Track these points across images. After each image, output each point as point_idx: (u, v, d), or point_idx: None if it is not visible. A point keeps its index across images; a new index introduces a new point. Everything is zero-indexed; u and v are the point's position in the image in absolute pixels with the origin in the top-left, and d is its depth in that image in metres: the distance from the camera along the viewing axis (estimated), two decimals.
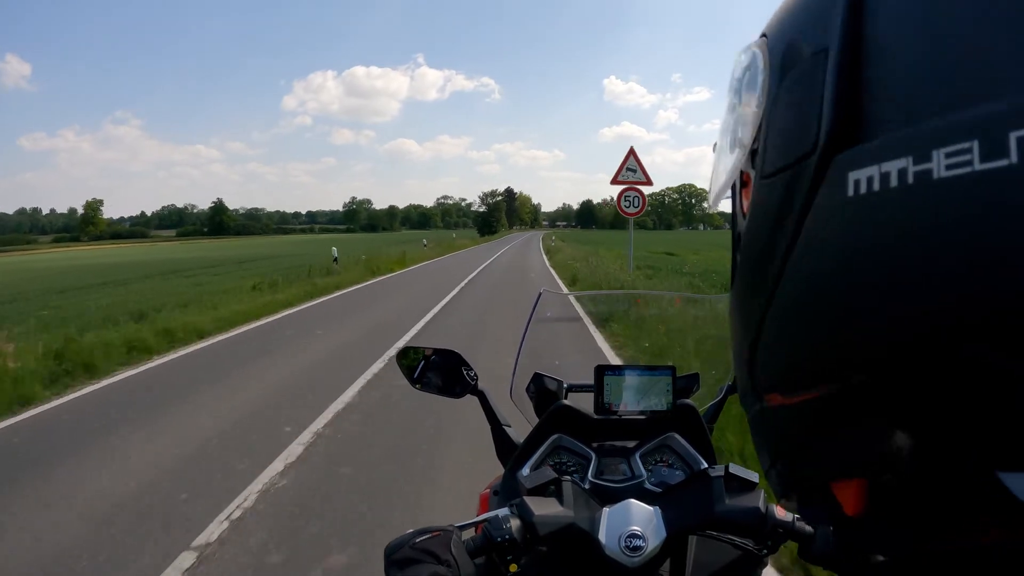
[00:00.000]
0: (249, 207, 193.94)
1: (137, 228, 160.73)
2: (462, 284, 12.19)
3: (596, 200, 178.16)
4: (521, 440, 1.08)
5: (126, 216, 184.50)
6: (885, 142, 0.23)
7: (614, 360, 5.45)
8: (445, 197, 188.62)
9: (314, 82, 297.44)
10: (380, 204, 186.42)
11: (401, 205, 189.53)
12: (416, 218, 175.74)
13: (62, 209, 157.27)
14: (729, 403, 1.11)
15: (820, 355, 0.26)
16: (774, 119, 0.29)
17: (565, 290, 10.49)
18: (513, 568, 0.69)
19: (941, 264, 0.21)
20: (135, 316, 7.86)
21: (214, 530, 2.47)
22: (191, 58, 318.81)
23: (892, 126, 0.23)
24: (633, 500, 0.74)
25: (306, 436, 3.55)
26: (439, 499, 2.66)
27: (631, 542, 0.70)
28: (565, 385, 1.15)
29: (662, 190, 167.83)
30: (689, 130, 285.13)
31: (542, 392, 1.14)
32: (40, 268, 29.19)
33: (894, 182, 0.22)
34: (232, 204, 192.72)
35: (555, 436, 1.04)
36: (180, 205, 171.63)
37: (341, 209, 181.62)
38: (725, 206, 0.38)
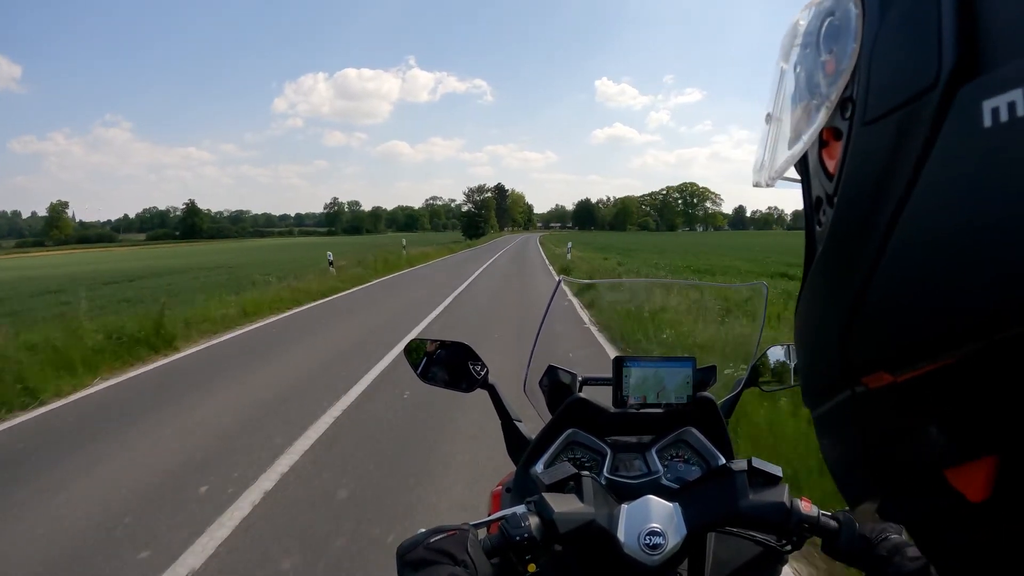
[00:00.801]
0: (234, 209, 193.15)
1: (105, 232, 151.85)
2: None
3: (594, 199, 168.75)
4: (532, 435, 1.07)
5: (111, 219, 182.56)
6: None
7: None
8: (434, 198, 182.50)
9: (305, 84, 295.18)
10: (371, 206, 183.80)
11: (392, 207, 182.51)
12: (403, 220, 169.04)
13: (44, 212, 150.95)
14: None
15: (953, 316, 0.24)
16: (877, 60, 0.27)
17: None
18: (532, 568, 0.67)
19: None
20: None
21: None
22: (181, 60, 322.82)
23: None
24: (652, 496, 0.74)
25: None
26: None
27: (651, 540, 0.70)
28: (579, 378, 1.14)
29: (662, 189, 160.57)
30: (680, 131, 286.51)
31: (556, 386, 1.13)
32: None
33: None
34: (219, 206, 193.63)
35: (569, 431, 1.03)
36: (162, 207, 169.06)
37: (323, 210, 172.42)
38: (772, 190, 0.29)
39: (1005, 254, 0.22)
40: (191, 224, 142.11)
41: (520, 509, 0.69)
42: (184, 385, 5.11)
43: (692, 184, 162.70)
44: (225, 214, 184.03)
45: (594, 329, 7.17)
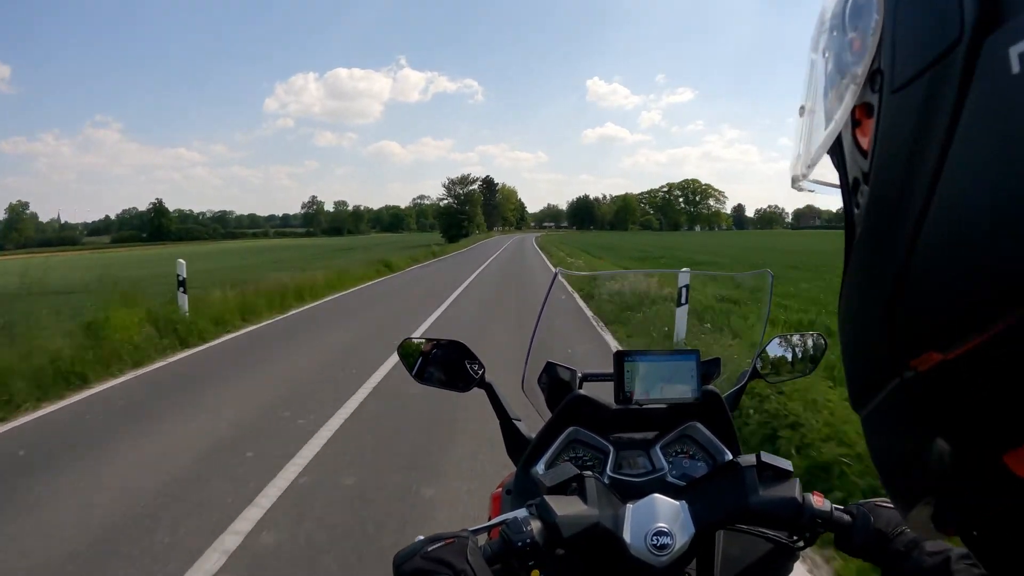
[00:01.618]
0: (217, 210, 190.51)
1: (69, 234, 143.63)
2: None
3: (591, 196, 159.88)
4: (532, 434, 1.07)
5: (92, 221, 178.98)
6: None
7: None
8: (421, 197, 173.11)
9: (295, 84, 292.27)
10: (361, 207, 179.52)
11: (379, 207, 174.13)
12: (388, 220, 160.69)
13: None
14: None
15: (1001, 277, 0.23)
16: (900, 26, 0.28)
17: None
18: (535, 574, 0.67)
19: None
20: None
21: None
22: (171, 61, 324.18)
23: None
24: (658, 495, 0.73)
25: None
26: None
27: (658, 540, 0.69)
28: (579, 375, 1.15)
29: (663, 187, 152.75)
30: (672, 131, 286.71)
31: (555, 383, 1.13)
32: None
33: None
34: (206, 207, 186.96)
35: (570, 429, 1.02)
36: (143, 208, 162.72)
37: (300, 211, 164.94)
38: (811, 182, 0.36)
39: None
40: (158, 225, 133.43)
41: (521, 513, 0.68)
42: None
43: (694, 181, 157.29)
44: (208, 215, 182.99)
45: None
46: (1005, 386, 0.24)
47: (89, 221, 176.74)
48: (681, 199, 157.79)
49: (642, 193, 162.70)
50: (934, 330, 0.26)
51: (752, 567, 0.80)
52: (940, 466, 0.28)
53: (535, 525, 0.66)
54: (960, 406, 0.26)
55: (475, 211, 76.56)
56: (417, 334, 1.39)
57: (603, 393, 1.04)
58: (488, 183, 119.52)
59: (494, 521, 0.69)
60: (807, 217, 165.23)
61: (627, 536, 0.70)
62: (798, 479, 0.73)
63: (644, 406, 1.00)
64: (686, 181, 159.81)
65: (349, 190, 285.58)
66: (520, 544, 0.64)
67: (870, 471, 2.62)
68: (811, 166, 0.35)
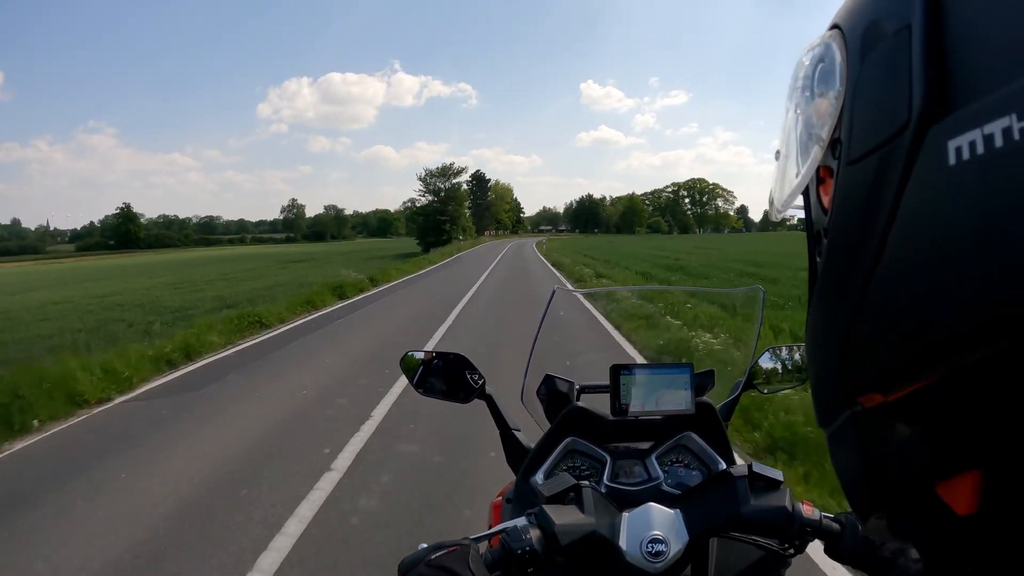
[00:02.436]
0: (204, 215, 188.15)
1: (29, 242, 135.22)
2: None
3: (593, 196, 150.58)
4: (531, 444, 1.12)
5: (80, 227, 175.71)
6: (984, 104, 0.24)
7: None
8: (412, 200, 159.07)
9: (289, 89, 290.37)
10: (351, 211, 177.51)
11: (369, 211, 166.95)
12: (375, 224, 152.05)
13: (5, 220, 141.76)
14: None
15: (929, 336, 0.26)
16: (858, 102, 0.30)
17: None
18: None
19: None
20: None
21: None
22: (165, 66, 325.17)
23: (987, 88, 0.24)
24: (653, 503, 0.77)
25: None
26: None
27: (653, 547, 0.73)
28: (577, 386, 1.20)
29: (667, 186, 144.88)
30: (666, 134, 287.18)
31: (553, 394, 1.18)
32: None
33: (999, 142, 0.23)
34: (195, 212, 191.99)
35: (568, 439, 1.07)
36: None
37: (280, 215, 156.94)
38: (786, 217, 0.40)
39: (967, 287, 0.24)
40: (125, 232, 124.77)
41: (521, 522, 0.72)
42: None
43: (701, 180, 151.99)
44: (194, 220, 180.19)
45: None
46: (936, 427, 0.28)
47: (78, 228, 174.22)
48: (687, 199, 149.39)
49: (645, 194, 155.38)
50: (877, 375, 0.29)
51: (745, 574, 0.84)
52: (883, 490, 0.32)
53: (534, 533, 0.70)
54: (898, 440, 0.30)
55: (460, 211, 59.93)
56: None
57: (600, 405, 1.08)
58: (478, 179, 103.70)
59: (494, 529, 0.73)
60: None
61: (623, 544, 0.73)
62: (789, 489, 0.77)
63: (640, 417, 1.04)
64: (692, 180, 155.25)
65: (343, 195, 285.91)
66: (520, 552, 0.68)
67: None
68: (784, 209, 0.38)
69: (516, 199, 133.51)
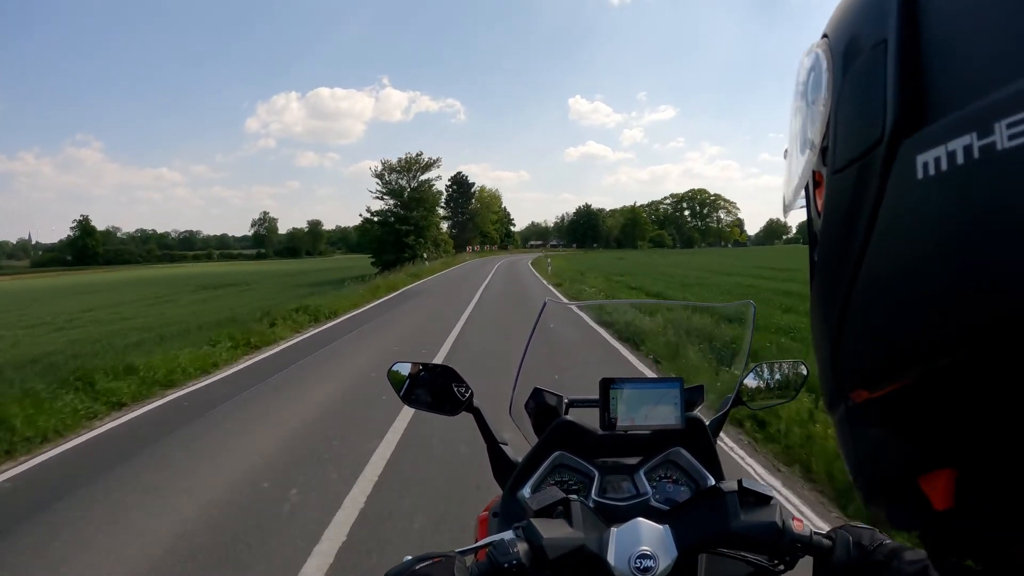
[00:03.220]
0: (183, 230, 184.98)
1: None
2: None
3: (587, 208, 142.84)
4: (519, 458, 1.13)
5: (54, 241, 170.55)
6: (949, 122, 0.25)
7: None
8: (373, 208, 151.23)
9: (277, 104, 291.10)
10: (335, 226, 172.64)
11: (352, 227, 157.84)
12: (356, 239, 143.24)
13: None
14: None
15: (903, 342, 0.28)
16: (841, 114, 0.32)
17: None
18: None
19: (1016, 234, 0.23)
20: None
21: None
22: (152, 79, 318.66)
23: (955, 105, 0.25)
24: (642, 519, 0.78)
25: None
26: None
27: (641, 563, 0.73)
28: (566, 400, 1.22)
29: (665, 198, 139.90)
30: (654, 148, 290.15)
31: (542, 408, 1.20)
32: None
33: (960, 159, 0.24)
34: (179, 227, 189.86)
35: (556, 454, 1.09)
36: (101, 227, 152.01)
37: (250, 230, 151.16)
38: (795, 216, 0.41)
39: (934, 299, 0.26)
40: (83, 247, 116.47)
41: (508, 535, 0.72)
42: None
43: (702, 191, 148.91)
44: (173, 235, 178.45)
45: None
46: (914, 425, 0.30)
47: (55, 241, 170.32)
48: (687, 212, 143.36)
49: (642, 207, 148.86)
50: (863, 372, 0.32)
51: None
52: (874, 480, 0.35)
53: (521, 547, 0.70)
54: (883, 434, 0.33)
55: (431, 219, 45.62)
56: None
57: (589, 419, 1.10)
58: (460, 183, 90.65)
59: (481, 543, 0.73)
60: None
61: (611, 559, 0.74)
62: (779, 504, 0.78)
63: (629, 432, 1.06)
64: (692, 191, 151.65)
65: (330, 210, 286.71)
66: (507, 565, 0.68)
67: None
68: (788, 211, 0.40)
69: (505, 209, 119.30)
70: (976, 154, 0.24)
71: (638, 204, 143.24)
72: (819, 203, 0.35)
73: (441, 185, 50.56)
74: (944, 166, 0.25)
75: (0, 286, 52.70)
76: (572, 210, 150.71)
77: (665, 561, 0.73)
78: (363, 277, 24.75)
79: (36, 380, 6.39)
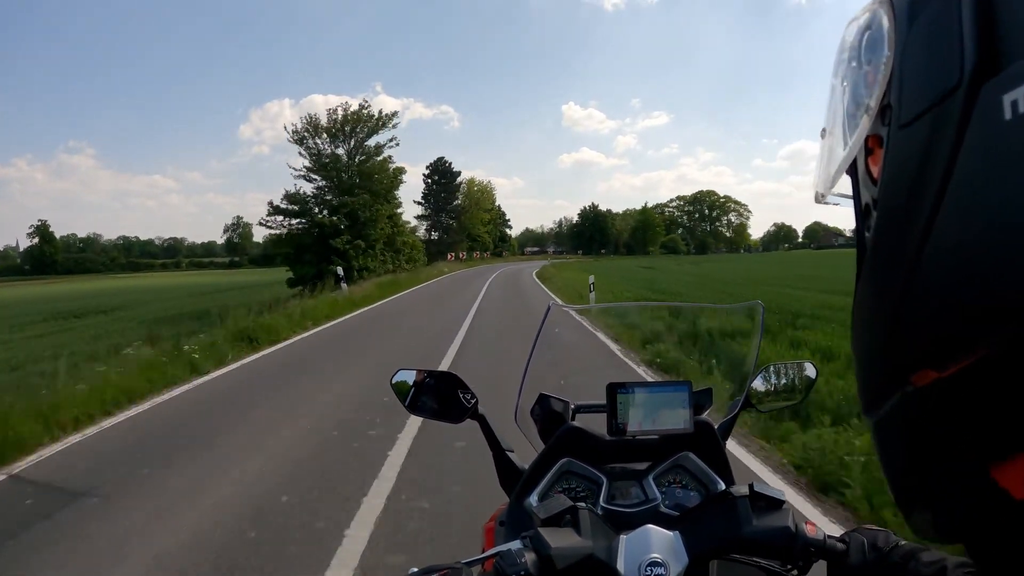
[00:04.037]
0: (167, 237, 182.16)
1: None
2: None
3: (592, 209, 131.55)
4: (525, 466, 1.14)
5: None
6: None
7: None
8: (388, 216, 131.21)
9: (271, 111, 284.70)
10: None
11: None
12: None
13: None
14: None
15: (985, 304, 0.26)
16: (908, 65, 0.31)
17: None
18: None
19: None
20: None
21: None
22: (145, 86, 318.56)
23: None
24: (651, 525, 0.77)
25: None
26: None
27: (651, 570, 0.72)
28: (572, 406, 1.21)
29: (671, 200, 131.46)
30: (647, 155, 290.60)
31: (548, 414, 1.19)
32: None
33: None
34: (174, 233, 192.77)
35: (563, 460, 1.09)
36: (87, 235, 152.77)
37: (222, 237, 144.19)
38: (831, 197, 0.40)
39: None
40: (40, 255, 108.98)
41: (515, 545, 0.71)
42: None
43: (710, 192, 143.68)
44: (157, 242, 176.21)
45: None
46: (993, 403, 0.28)
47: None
48: (695, 215, 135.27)
49: (652, 207, 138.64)
50: (931, 349, 0.29)
51: None
52: (935, 476, 0.32)
53: (529, 557, 0.70)
54: (951, 420, 0.30)
55: (380, 212, 30.21)
56: None
57: (596, 424, 1.10)
58: (441, 172, 70.13)
59: (488, 553, 0.72)
60: (828, 236, 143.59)
61: (621, 567, 0.73)
62: (791, 508, 0.78)
63: (637, 437, 1.07)
64: (701, 193, 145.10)
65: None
66: None
67: None
68: (830, 187, 0.39)
69: (499, 207, 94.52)
70: None
71: (648, 205, 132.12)
72: (875, 170, 0.34)
73: (386, 136, 32.00)
74: None
75: None
76: (571, 214, 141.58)
77: (676, 568, 0.73)
78: (260, 310, 12.85)
79: None
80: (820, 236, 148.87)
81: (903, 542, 0.74)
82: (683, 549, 0.74)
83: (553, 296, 19.94)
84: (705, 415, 1.11)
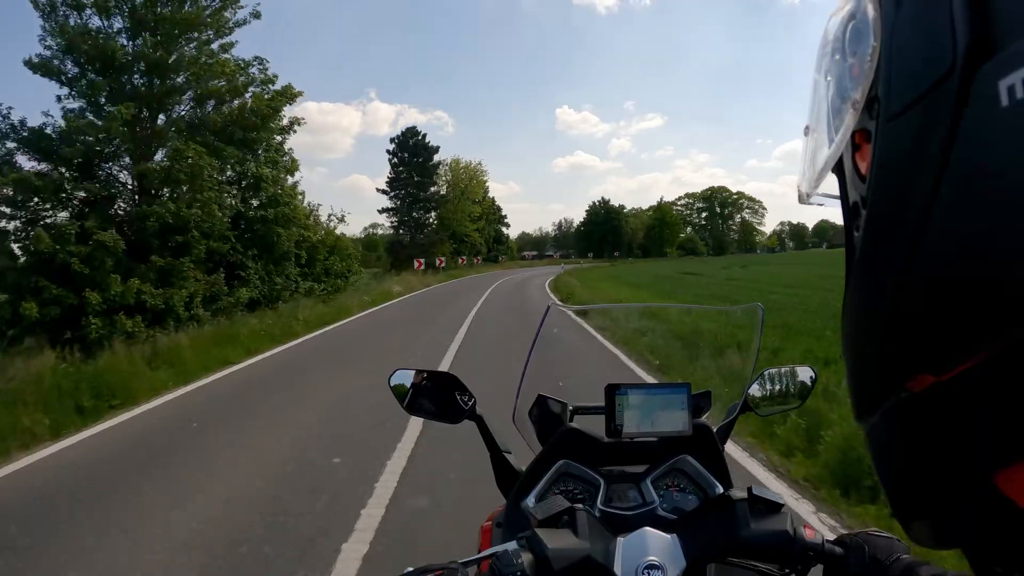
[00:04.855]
0: None
1: None
2: None
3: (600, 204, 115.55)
4: (522, 467, 1.15)
5: None
6: None
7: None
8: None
9: None
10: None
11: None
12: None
13: None
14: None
15: (988, 302, 0.25)
16: (896, 54, 0.30)
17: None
18: None
19: None
20: None
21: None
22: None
23: None
24: (649, 528, 0.79)
25: None
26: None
27: (649, 573, 0.73)
28: (570, 407, 1.22)
29: (679, 198, 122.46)
30: (642, 157, 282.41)
31: (546, 416, 1.20)
32: None
33: None
34: None
35: (561, 462, 1.10)
36: None
37: None
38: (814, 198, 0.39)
39: None
40: None
41: (512, 546, 0.72)
42: None
43: (722, 189, 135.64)
44: None
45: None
46: (995, 407, 0.27)
47: None
48: (705, 214, 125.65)
49: (668, 203, 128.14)
50: (928, 352, 0.28)
51: None
52: (933, 485, 0.31)
53: (526, 558, 0.70)
54: (952, 426, 0.29)
55: (277, 220, 15.27)
56: None
57: (594, 426, 1.11)
58: (416, 146, 50.63)
59: (484, 553, 0.73)
60: (840, 234, 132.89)
61: (618, 569, 0.74)
62: (790, 512, 0.79)
63: (635, 439, 1.07)
64: (711, 190, 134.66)
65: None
66: None
67: None
68: (815, 186, 0.38)
69: (492, 199, 69.24)
70: None
71: (664, 200, 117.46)
72: (863, 166, 0.33)
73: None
74: None
75: None
76: (571, 215, 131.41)
77: (673, 571, 0.74)
78: None
79: None
80: (831, 235, 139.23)
81: (905, 555, 0.73)
82: (681, 552, 0.74)
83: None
84: (704, 418, 1.12)
